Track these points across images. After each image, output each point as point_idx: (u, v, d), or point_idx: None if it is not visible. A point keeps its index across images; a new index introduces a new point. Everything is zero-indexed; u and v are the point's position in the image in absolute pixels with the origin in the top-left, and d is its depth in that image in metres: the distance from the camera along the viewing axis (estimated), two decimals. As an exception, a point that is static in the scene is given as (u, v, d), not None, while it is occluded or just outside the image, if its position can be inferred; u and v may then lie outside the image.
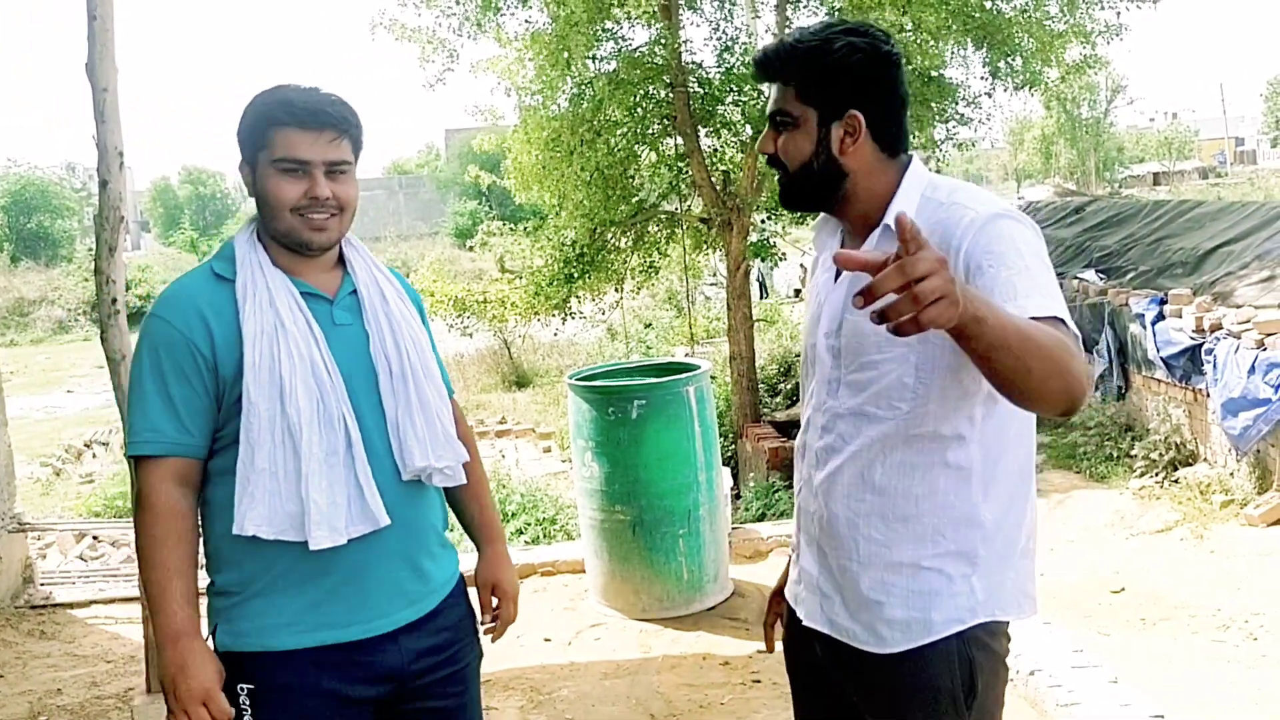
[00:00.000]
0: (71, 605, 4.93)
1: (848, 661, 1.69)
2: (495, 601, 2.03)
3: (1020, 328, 1.30)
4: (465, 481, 1.90)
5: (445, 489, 1.92)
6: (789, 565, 1.89)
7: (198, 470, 1.73)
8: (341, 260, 1.84)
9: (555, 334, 16.87)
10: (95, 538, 7.21)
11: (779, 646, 1.96)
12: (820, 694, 1.79)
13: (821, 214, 1.74)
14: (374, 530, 1.71)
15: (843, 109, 1.58)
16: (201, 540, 1.78)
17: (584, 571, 4.72)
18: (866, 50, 1.57)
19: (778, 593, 1.93)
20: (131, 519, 3.55)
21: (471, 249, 33.30)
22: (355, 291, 1.81)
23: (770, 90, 1.65)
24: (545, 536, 7.58)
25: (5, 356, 21.32)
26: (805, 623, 1.74)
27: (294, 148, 1.71)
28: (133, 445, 1.71)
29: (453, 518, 2.02)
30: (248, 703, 1.73)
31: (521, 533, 7.97)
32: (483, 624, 2.01)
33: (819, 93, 1.58)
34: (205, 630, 1.76)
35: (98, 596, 5.03)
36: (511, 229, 17.22)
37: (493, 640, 2.04)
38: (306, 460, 1.66)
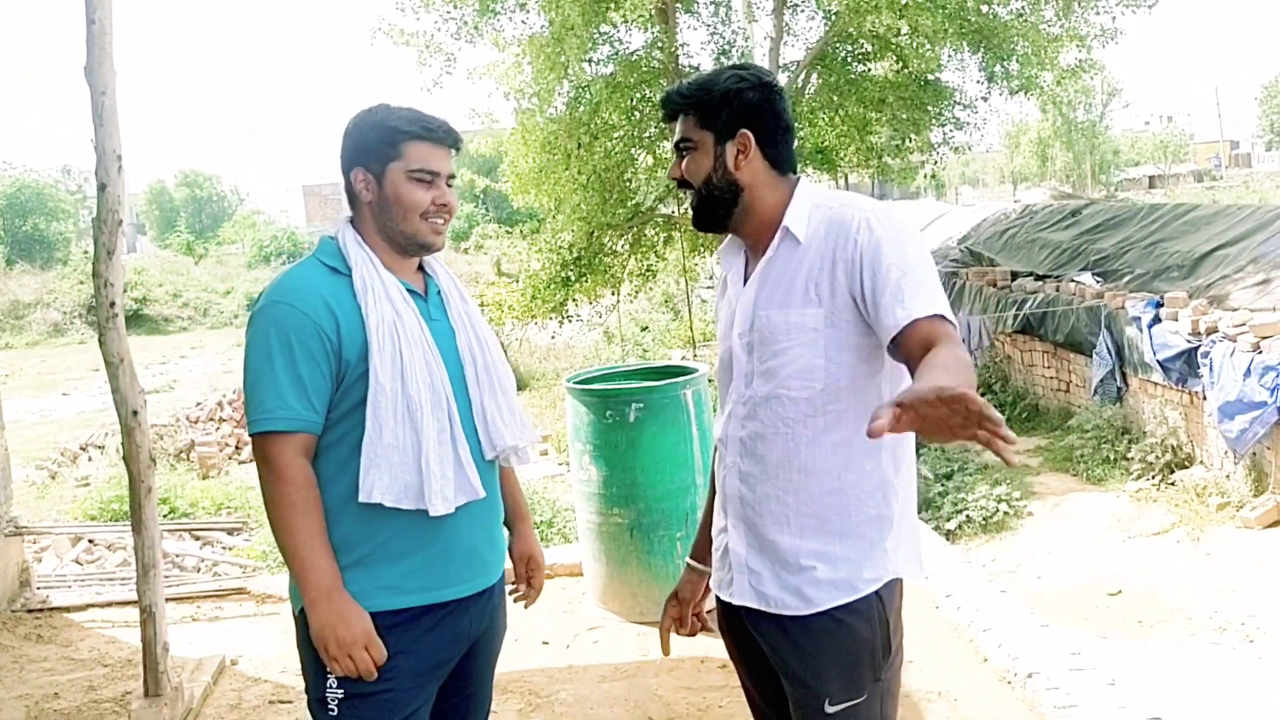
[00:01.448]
0: (68, 609, 4.92)
1: (773, 630, 1.83)
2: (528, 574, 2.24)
3: (958, 370, 1.48)
4: (530, 462, 2.14)
5: None
6: (686, 572, 2.08)
7: (315, 446, 1.87)
8: (419, 264, 2.03)
9: (553, 337, 16.88)
10: (91, 541, 7.19)
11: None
12: (765, 667, 1.91)
13: (728, 237, 1.94)
14: (468, 502, 1.90)
15: (734, 129, 1.82)
16: None
17: (582, 574, 4.72)
18: (750, 79, 1.83)
19: (674, 597, 2.08)
20: (130, 521, 3.56)
21: (467, 251, 33.33)
22: (440, 292, 2.02)
23: (676, 126, 1.89)
24: (542, 539, 7.56)
25: (1, 359, 21.27)
26: (735, 601, 1.87)
27: (428, 160, 1.92)
28: (265, 421, 1.83)
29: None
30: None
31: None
32: (514, 593, 2.22)
33: (712, 117, 1.83)
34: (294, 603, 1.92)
35: (94, 600, 5.01)
36: (508, 232, 17.25)
37: (526, 607, 2.25)
38: (425, 437, 1.85)
